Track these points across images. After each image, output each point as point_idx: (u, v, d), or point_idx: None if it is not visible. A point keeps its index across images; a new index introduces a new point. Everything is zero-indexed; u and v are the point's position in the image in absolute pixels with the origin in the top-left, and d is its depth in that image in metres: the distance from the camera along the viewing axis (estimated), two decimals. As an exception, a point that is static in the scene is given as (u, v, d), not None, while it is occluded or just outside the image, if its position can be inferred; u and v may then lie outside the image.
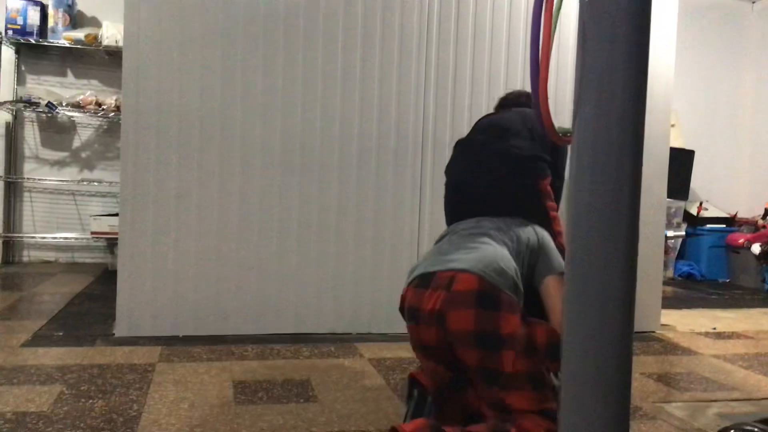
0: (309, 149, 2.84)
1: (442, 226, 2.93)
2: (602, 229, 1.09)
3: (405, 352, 2.65)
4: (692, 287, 4.79)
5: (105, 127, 4.76)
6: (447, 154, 2.92)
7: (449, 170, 2.19)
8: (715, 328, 3.35)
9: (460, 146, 2.20)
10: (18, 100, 4.46)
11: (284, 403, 2.00)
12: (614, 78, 1.10)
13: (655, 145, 3.18)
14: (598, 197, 1.10)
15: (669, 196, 3.44)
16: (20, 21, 4.39)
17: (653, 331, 3.20)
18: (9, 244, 4.63)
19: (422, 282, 1.74)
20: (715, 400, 2.21)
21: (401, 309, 1.84)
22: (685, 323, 3.43)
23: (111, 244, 4.48)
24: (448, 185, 2.18)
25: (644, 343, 2.97)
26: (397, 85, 2.92)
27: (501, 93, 3.01)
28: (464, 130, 2.94)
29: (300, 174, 2.84)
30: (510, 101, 2.30)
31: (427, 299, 1.69)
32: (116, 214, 3.84)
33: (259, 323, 2.81)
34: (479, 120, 2.25)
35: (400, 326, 2.87)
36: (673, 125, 3.88)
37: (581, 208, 1.11)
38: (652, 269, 3.21)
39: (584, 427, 1.11)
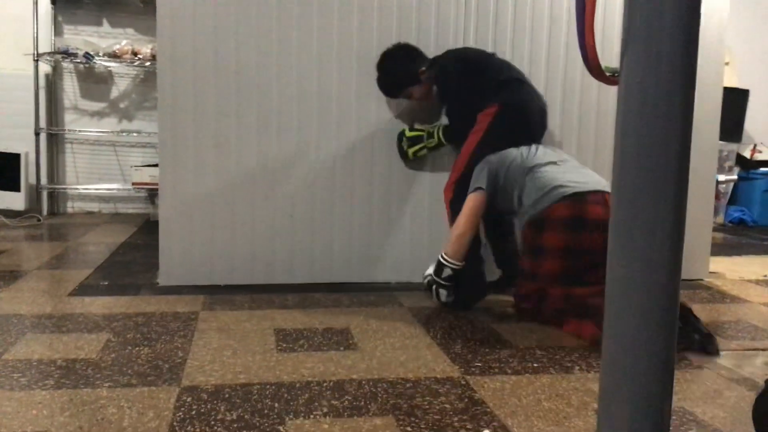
0: (345, 96, 2.79)
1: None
2: (650, 174, 1.04)
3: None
4: (743, 233, 4.66)
5: (142, 76, 4.77)
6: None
7: (529, 96, 2.57)
8: (766, 276, 3.25)
9: (522, 79, 2.62)
10: (56, 51, 4.48)
11: (324, 350, 2.02)
12: (664, 13, 1.02)
13: (707, 85, 3.04)
14: (645, 140, 1.04)
15: (721, 139, 3.31)
16: (55, -29, 4.38)
17: (701, 279, 3.13)
18: (54, 196, 4.74)
19: (578, 199, 2.22)
20: (764, 349, 2.15)
21: (543, 220, 2.26)
22: (734, 271, 3.34)
23: (152, 194, 4.55)
24: (529, 110, 2.55)
25: (692, 291, 2.90)
26: (435, 17, 2.82)
27: (542, 25, 2.92)
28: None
29: (337, 122, 2.80)
30: None
31: (590, 212, 2.20)
32: (156, 165, 3.88)
33: (299, 272, 2.82)
34: (492, 54, 2.71)
35: (440, 274, 2.88)
36: (726, 63, 3.71)
37: (628, 151, 1.06)
38: (701, 215, 3.11)
39: (626, 378, 1.08)
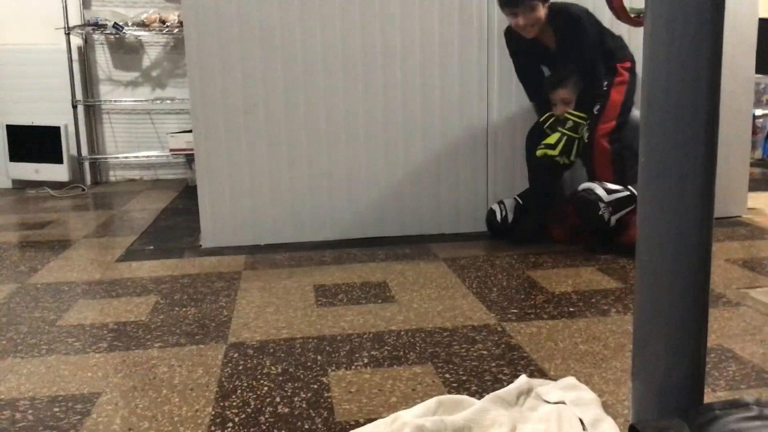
0: (370, 48, 2.78)
1: (511, 121, 2.88)
2: (679, 113, 1.03)
3: (479, 250, 2.67)
4: (783, 168, 4.55)
5: (171, 44, 4.81)
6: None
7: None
8: (807, 210, 3.19)
9: None
10: (86, 24, 4.54)
11: (363, 303, 2.07)
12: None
13: (741, 16, 2.94)
14: (674, 76, 1.03)
15: (757, 72, 3.21)
16: (78, -58, 4.41)
17: (739, 216, 3.08)
18: (95, 166, 4.86)
19: None
20: (805, 284, 2.13)
21: None
22: (774, 206, 3.29)
23: (190, 159, 4.63)
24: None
25: (729, 229, 2.87)
26: (458, -25, 2.78)
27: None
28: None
29: (364, 76, 2.80)
30: None
31: None
32: (191, 131, 3.95)
33: (334, 229, 2.88)
34: None
35: (474, 226, 2.91)
36: (763, -7, 3.56)
37: (656, 87, 1.05)
38: (738, 150, 3.05)
39: (660, 317, 1.10)
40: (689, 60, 1.03)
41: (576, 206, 2.58)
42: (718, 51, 1.04)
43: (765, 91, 4.72)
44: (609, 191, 2.51)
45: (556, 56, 2.68)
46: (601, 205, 2.48)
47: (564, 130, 2.60)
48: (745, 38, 2.98)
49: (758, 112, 4.48)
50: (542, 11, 2.55)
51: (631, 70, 2.61)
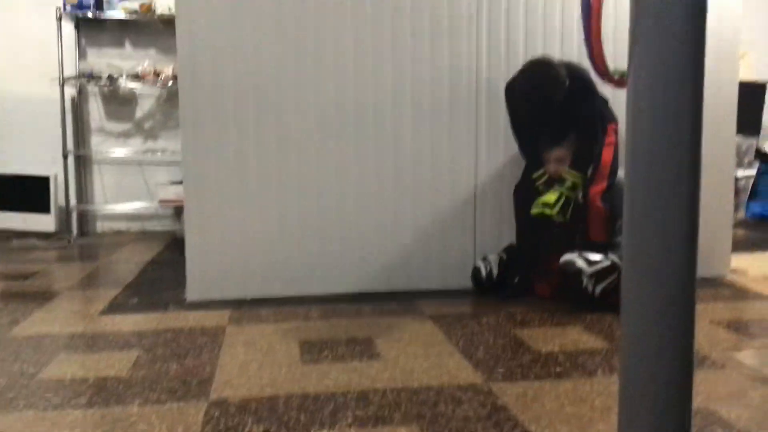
0: (362, 105, 2.83)
1: (498, 178, 2.91)
2: (662, 174, 1.05)
3: (465, 307, 2.67)
4: (765, 229, 4.60)
5: (165, 96, 4.87)
6: (501, 102, 2.88)
7: None
8: (790, 271, 3.22)
9: None
10: (81, 75, 4.60)
11: (348, 361, 2.05)
12: (671, 11, 1.04)
13: (722, 79, 3.02)
14: (656, 140, 1.06)
15: (739, 133, 3.29)
16: (77, -4, 4.50)
17: (723, 277, 3.11)
18: (83, 216, 4.85)
19: None
20: (790, 346, 2.14)
21: None
22: (757, 267, 3.31)
23: (178, 211, 4.63)
24: None
25: (713, 289, 2.89)
26: (448, 29, 2.86)
27: (556, 26, 2.94)
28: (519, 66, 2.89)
29: (355, 132, 2.84)
30: None
31: None
32: (181, 182, 3.96)
33: (321, 283, 2.87)
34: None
35: (460, 282, 2.92)
36: (742, 57, 3.68)
37: (639, 152, 1.07)
38: (720, 211, 3.10)
39: (645, 379, 1.09)
40: (671, 121, 1.06)
41: (558, 278, 2.60)
42: (700, 112, 1.06)
43: (747, 153, 4.82)
44: (590, 263, 2.52)
45: (559, 115, 2.71)
46: (584, 277, 2.50)
47: (562, 190, 2.63)
48: (726, 101, 3.06)
49: (740, 173, 4.57)
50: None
51: (617, 132, 2.67)
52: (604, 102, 2.71)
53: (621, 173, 2.59)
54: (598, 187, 2.62)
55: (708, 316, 2.48)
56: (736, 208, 4.62)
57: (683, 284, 1.06)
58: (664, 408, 1.06)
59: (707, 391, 1.79)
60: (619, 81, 1.33)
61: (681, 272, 1.05)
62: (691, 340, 1.09)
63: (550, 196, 2.62)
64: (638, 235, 1.07)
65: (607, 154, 2.65)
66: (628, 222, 1.09)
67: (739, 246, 3.51)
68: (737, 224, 4.49)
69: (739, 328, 2.35)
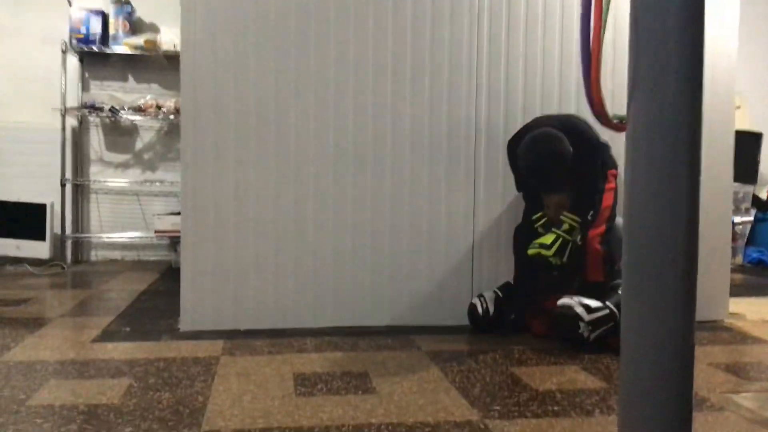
0: (362, 145, 2.86)
1: (496, 218, 2.93)
2: (660, 220, 1.06)
3: (462, 344, 2.65)
4: (763, 274, 4.61)
5: (165, 129, 4.91)
6: (500, 145, 2.91)
7: None
8: (787, 317, 3.21)
9: None
10: (83, 106, 4.63)
11: (343, 394, 2.03)
12: (669, 60, 1.06)
13: (719, 129, 3.07)
14: (655, 186, 1.07)
15: (736, 181, 3.32)
16: (83, 30, 4.56)
17: (721, 320, 3.10)
18: (78, 244, 4.83)
19: None
20: (789, 391, 2.12)
21: None
22: (755, 311, 3.31)
23: (174, 242, 4.62)
24: None
25: (712, 333, 2.88)
26: (448, 76, 2.90)
27: (554, 83, 2.99)
28: (518, 115, 2.93)
29: (354, 167, 2.86)
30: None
31: None
32: (178, 213, 3.96)
33: (316, 317, 2.85)
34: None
35: (457, 319, 2.90)
36: (738, 107, 3.74)
37: (638, 196, 1.08)
38: (718, 257, 3.11)
39: (644, 420, 1.08)
40: (669, 167, 1.07)
41: (554, 320, 2.59)
42: (698, 158, 1.08)
43: (743, 200, 4.86)
44: (589, 310, 2.50)
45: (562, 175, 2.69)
46: (581, 323, 2.49)
47: (559, 232, 2.63)
48: (723, 149, 3.10)
49: (737, 219, 4.59)
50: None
51: (617, 177, 2.71)
52: (606, 148, 2.74)
53: (620, 218, 2.61)
54: (597, 230, 2.64)
55: (707, 358, 2.46)
56: (734, 253, 4.64)
57: (682, 327, 1.06)
58: (662, 450, 1.05)
59: (706, 433, 1.77)
60: (618, 126, 1.35)
61: (680, 315, 1.05)
62: (690, 383, 1.08)
63: (547, 238, 2.64)
64: (638, 279, 1.08)
65: (607, 199, 2.68)
66: (627, 266, 1.10)
67: (737, 290, 3.51)
68: (735, 269, 4.51)
69: (737, 370, 2.33)
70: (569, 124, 2.69)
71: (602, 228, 2.64)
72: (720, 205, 3.11)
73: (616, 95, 2.91)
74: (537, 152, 2.60)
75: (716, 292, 3.10)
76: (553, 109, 2.98)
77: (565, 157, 2.58)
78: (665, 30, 1.05)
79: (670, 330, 1.09)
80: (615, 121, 1.37)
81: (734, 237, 4.33)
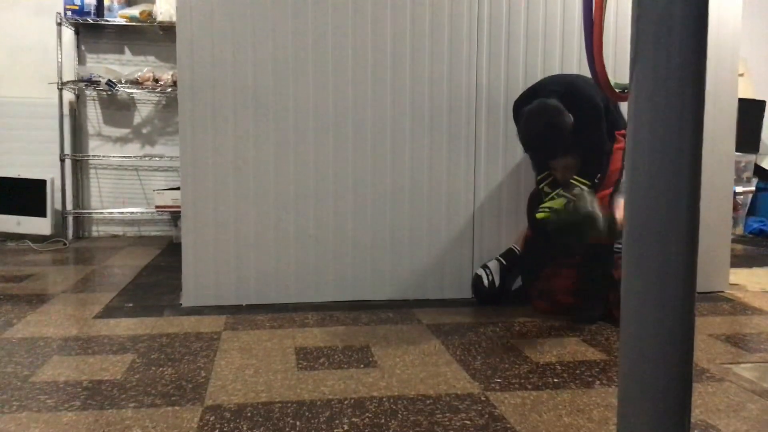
0: (361, 116, 2.83)
1: (497, 186, 2.91)
2: (662, 188, 1.05)
3: (463, 317, 2.66)
4: (764, 244, 4.61)
5: (164, 102, 4.87)
6: (501, 112, 2.89)
7: None
8: (788, 286, 3.22)
9: None
10: (80, 80, 4.59)
11: (345, 368, 2.04)
12: (672, 27, 1.04)
13: (722, 96, 3.04)
14: (657, 154, 1.06)
15: (738, 150, 3.30)
16: (78, 1, 4.50)
17: (722, 291, 3.10)
18: (79, 220, 4.83)
19: None
20: (788, 361, 2.13)
21: None
22: (755, 282, 3.31)
23: (174, 217, 4.61)
24: None
25: (712, 304, 2.88)
26: (448, 42, 2.86)
27: (556, 48, 2.95)
28: (519, 85, 2.89)
29: (353, 141, 2.84)
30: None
31: None
32: (178, 188, 3.95)
33: (318, 291, 2.86)
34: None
35: (458, 291, 2.91)
36: (741, 74, 3.70)
37: (640, 165, 1.07)
38: (720, 227, 3.10)
39: (643, 392, 1.09)
40: (671, 136, 1.06)
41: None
42: (699, 129, 1.06)
43: (745, 169, 4.84)
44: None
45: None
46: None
47: (569, 195, 2.56)
48: (725, 117, 3.07)
49: (739, 189, 4.57)
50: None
51: (626, 136, 2.63)
52: (613, 109, 2.64)
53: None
54: (604, 192, 2.59)
55: (707, 329, 2.47)
56: (735, 223, 4.64)
57: (682, 298, 1.05)
58: (662, 420, 1.06)
59: (706, 403, 1.78)
60: (620, 95, 1.33)
61: (680, 286, 1.05)
62: (690, 354, 1.08)
63: (557, 202, 2.57)
64: (638, 249, 1.07)
65: (615, 161, 2.61)
66: (627, 236, 1.09)
67: (737, 261, 3.51)
68: (736, 239, 4.51)
69: (737, 341, 2.34)
70: (573, 88, 2.58)
71: (609, 190, 2.59)
72: (722, 173, 3.09)
73: (618, 63, 2.89)
74: (532, 127, 2.51)
75: (717, 262, 3.10)
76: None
77: (561, 129, 2.47)
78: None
79: (670, 301, 1.08)
80: (617, 90, 1.35)
81: (735, 207, 4.32)
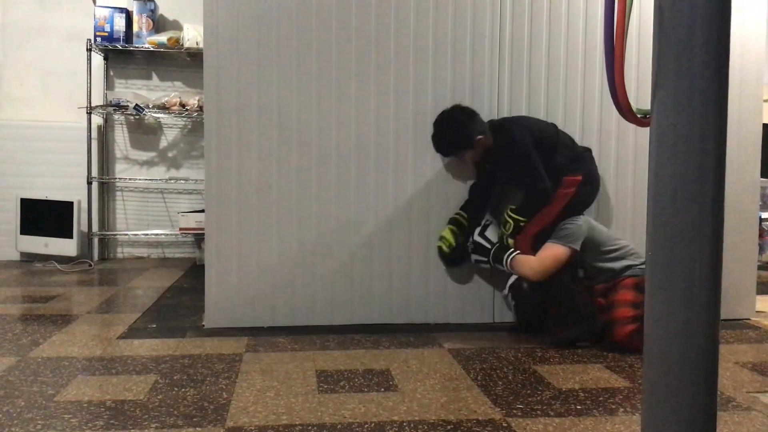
0: (384, 138, 2.86)
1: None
2: (685, 216, 1.05)
3: (485, 341, 2.64)
4: (791, 271, 4.52)
5: (189, 126, 4.95)
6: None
7: (596, 173, 2.77)
8: (816, 314, 3.15)
9: (590, 150, 2.83)
10: (108, 104, 4.69)
11: (365, 392, 2.03)
12: (694, 53, 1.04)
13: (746, 123, 3.02)
14: (679, 181, 1.05)
15: (763, 176, 3.26)
16: (107, 28, 4.61)
17: (748, 319, 3.05)
18: (104, 242, 4.90)
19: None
20: (817, 391, 2.09)
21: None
22: (783, 309, 3.25)
23: (198, 239, 4.66)
24: (597, 184, 2.77)
25: (738, 331, 2.84)
26: (470, 66, 2.89)
27: (576, 68, 2.96)
28: (540, 106, 2.90)
29: (375, 166, 2.86)
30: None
31: None
32: (202, 210, 3.99)
33: (339, 314, 2.86)
34: (554, 125, 2.79)
35: (479, 316, 2.90)
36: (766, 100, 3.67)
37: (662, 192, 1.07)
38: (745, 254, 3.06)
39: (668, 420, 1.07)
40: (694, 161, 1.05)
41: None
42: (722, 153, 1.06)
43: (771, 195, 4.77)
44: (482, 236, 2.74)
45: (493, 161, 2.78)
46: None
47: (505, 232, 2.71)
48: (750, 143, 3.05)
49: (764, 215, 4.51)
50: (473, 153, 2.73)
51: (583, 183, 2.67)
52: (572, 152, 2.73)
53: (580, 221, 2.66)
54: (532, 229, 2.65)
55: (733, 357, 2.43)
56: (761, 249, 4.56)
57: (707, 325, 1.04)
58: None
59: (732, 433, 1.74)
60: (642, 120, 1.33)
61: (704, 313, 1.04)
62: (715, 382, 1.07)
63: (446, 231, 2.82)
64: (662, 275, 1.06)
65: (556, 204, 2.64)
66: (651, 262, 1.08)
67: (764, 288, 3.45)
68: (762, 266, 4.43)
69: (764, 369, 2.30)
70: (504, 121, 2.77)
71: (536, 229, 2.65)
72: (747, 200, 3.06)
73: (639, 89, 2.89)
74: (437, 122, 2.74)
75: (742, 289, 3.05)
76: (575, 113, 2.95)
77: (451, 131, 2.70)
78: (690, 22, 1.03)
79: (694, 328, 1.07)
80: (639, 116, 1.35)
81: (761, 233, 4.25)
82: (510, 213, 2.68)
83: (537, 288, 2.64)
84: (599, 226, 2.73)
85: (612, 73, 1.29)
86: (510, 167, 2.72)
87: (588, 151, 2.82)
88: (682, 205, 1.07)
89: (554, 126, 2.79)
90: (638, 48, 2.93)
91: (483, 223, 2.81)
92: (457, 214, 2.84)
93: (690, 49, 1.06)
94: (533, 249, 2.63)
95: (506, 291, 2.79)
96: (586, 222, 2.66)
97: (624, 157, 2.99)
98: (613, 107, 1.37)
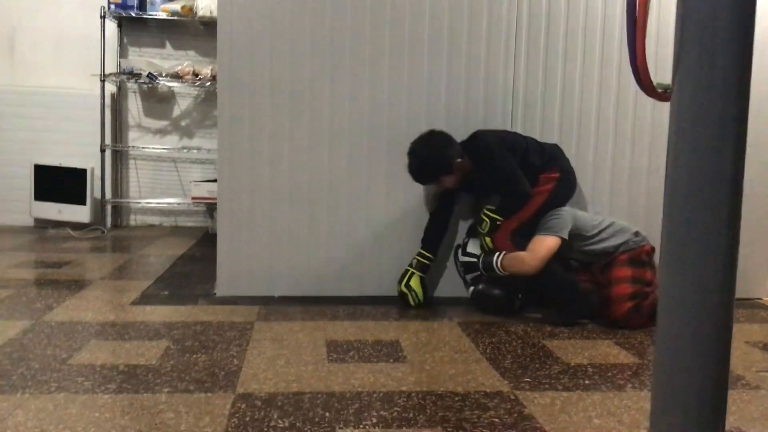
0: (396, 113, 2.84)
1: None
2: (703, 193, 1.03)
3: (494, 316, 2.65)
4: (805, 252, 4.49)
5: (202, 96, 4.94)
6: (536, 122, 2.88)
7: (569, 167, 2.77)
8: (829, 296, 3.14)
9: (562, 151, 2.82)
10: (121, 72, 4.68)
11: (374, 362, 2.05)
12: (717, 27, 1.02)
13: (765, 102, 2.97)
14: (698, 156, 1.04)
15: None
16: (122, -5, 4.59)
17: (760, 298, 3.04)
18: (117, 209, 4.93)
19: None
20: (828, 371, 2.08)
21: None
22: (795, 290, 3.23)
23: (210, 208, 4.68)
24: (573, 176, 2.76)
25: (750, 311, 2.83)
26: (486, 50, 2.85)
27: (594, 40, 2.92)
28: (556, 92, 2.88)
29: (387, 138, 2.84)
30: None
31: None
32: (215, 180, 4.00)
33: (349, 285, 2.87)
34: (525, 137, 2.78)
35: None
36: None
37: (681, 169, 1.06)
38: (760, 232, 3.03)
39: (678, 397, 1.07)
40: (714, 139, 1.04)
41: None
42: (743, 132, 1.04)
43: (787, 175, 4.71)
44: (466, 254, 2.74)
45: (473, 178, 2.75)
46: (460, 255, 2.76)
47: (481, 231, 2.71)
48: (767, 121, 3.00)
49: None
50: (453, 177, 2.69)
51: (560, 178, 2.67)
52: (543, 152, 2.72)
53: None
54: (509, 226, 2.65)
55: (744, 336, 2.43)
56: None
57: (721, 304, 1.04)
58: (696, 426, 1.04)
59: (740, 411, 1.75)
60: (663, 95, 1.30)
61: (719, 292, 1.03)
62: (727, 360, 1.06)
63: (414, 281, 2.77)
64: (677, 253, 1.06)
65: (534, 202, 2.64)
66: (667, 240, 1.07)
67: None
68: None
69: (774, 350, 2.29)
70: (476, 133, 2.73)
71: (513, 225, 2.65)
72: (763, 181, 3.02)
73: (659, 64, 2.84)
74: (414, 150, 2.66)
75: (756, 269, 3.04)
76: (592, 86, 2.92)
77: (432, 156, 2.64)
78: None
79: (708, 306, 1.07)
80: (659, 90, 1.33)
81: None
82: (486, 212, 2.68)
83: (499, 282, 2.65)
84: (582, 213, 2.73)
85: (633, 49, 1.27)
86: (491, 174, 2.67)
87: (555, 146, 2.81)
88: (700, 183, 1.06)
89: (516, 133, 2.81)
90: (658, 20, 2.88)
91: (462, 242, 2.80)
92: (420, 256, 2.77)
93: (714, 24, 1.04)
94: (513, 245, 2.62)
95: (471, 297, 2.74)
96: (569, 212, 2.65)
97: (640, 132, 2.96)
98: (632, 79, 1.35)
